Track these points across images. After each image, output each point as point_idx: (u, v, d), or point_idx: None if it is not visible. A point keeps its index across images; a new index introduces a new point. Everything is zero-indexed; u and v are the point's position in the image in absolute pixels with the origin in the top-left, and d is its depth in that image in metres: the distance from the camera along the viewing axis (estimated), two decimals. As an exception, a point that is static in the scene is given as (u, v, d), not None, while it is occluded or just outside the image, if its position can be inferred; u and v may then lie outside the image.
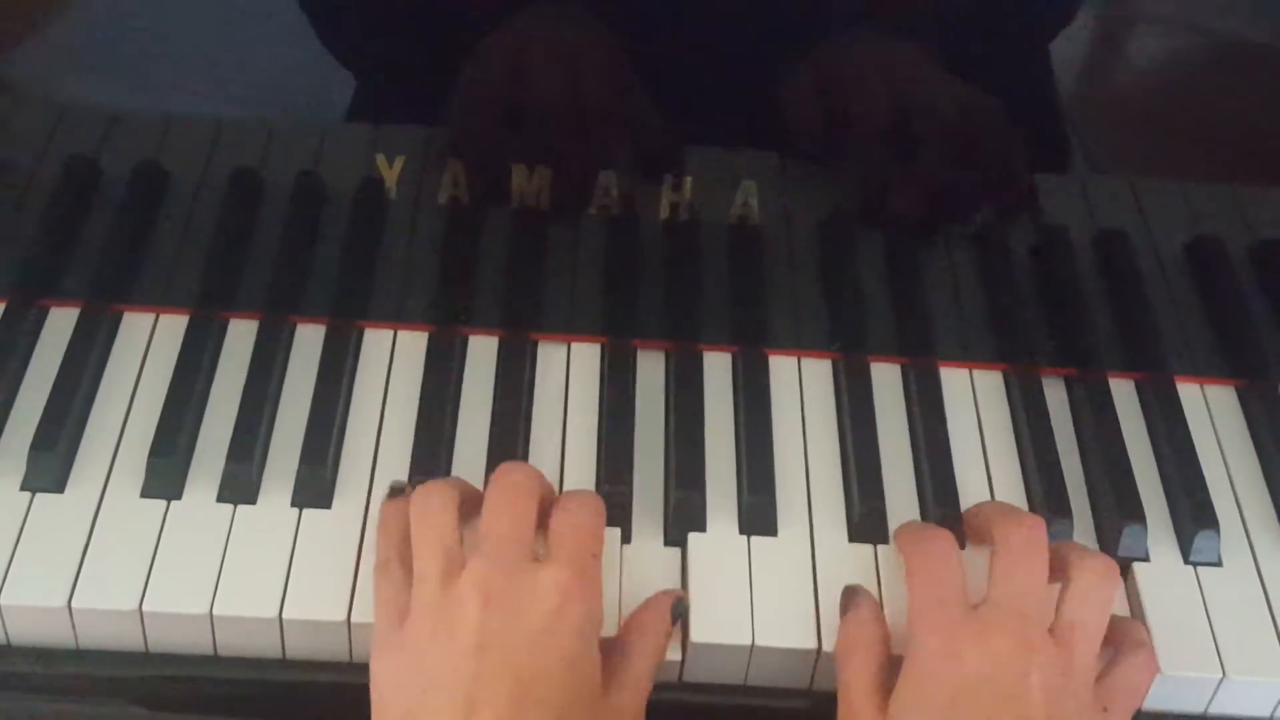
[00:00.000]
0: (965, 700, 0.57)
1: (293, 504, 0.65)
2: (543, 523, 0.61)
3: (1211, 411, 0.73)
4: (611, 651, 0.60)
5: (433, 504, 0.61)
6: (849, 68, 0.69)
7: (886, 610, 0.63)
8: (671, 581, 0.64)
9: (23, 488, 0.65)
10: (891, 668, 0.60)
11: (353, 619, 0.61)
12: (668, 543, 0.66)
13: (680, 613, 0.62)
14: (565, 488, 0.67)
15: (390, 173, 0.71)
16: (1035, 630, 0.58)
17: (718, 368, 0.72)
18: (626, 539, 0.65)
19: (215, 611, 0.61)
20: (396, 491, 0.65)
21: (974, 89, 0.69)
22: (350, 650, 0.62)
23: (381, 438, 0.68)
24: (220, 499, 0.65)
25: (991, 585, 0.60)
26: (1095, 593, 0.60)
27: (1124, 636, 0.62)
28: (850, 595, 0.63)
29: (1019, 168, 0.73)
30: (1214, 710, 0.64)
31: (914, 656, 0.59)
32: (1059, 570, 0.61)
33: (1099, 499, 0.69)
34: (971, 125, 0.69)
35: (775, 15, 0.67)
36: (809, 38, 0.67)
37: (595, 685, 0.58)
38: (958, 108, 0.69)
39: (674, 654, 0.62)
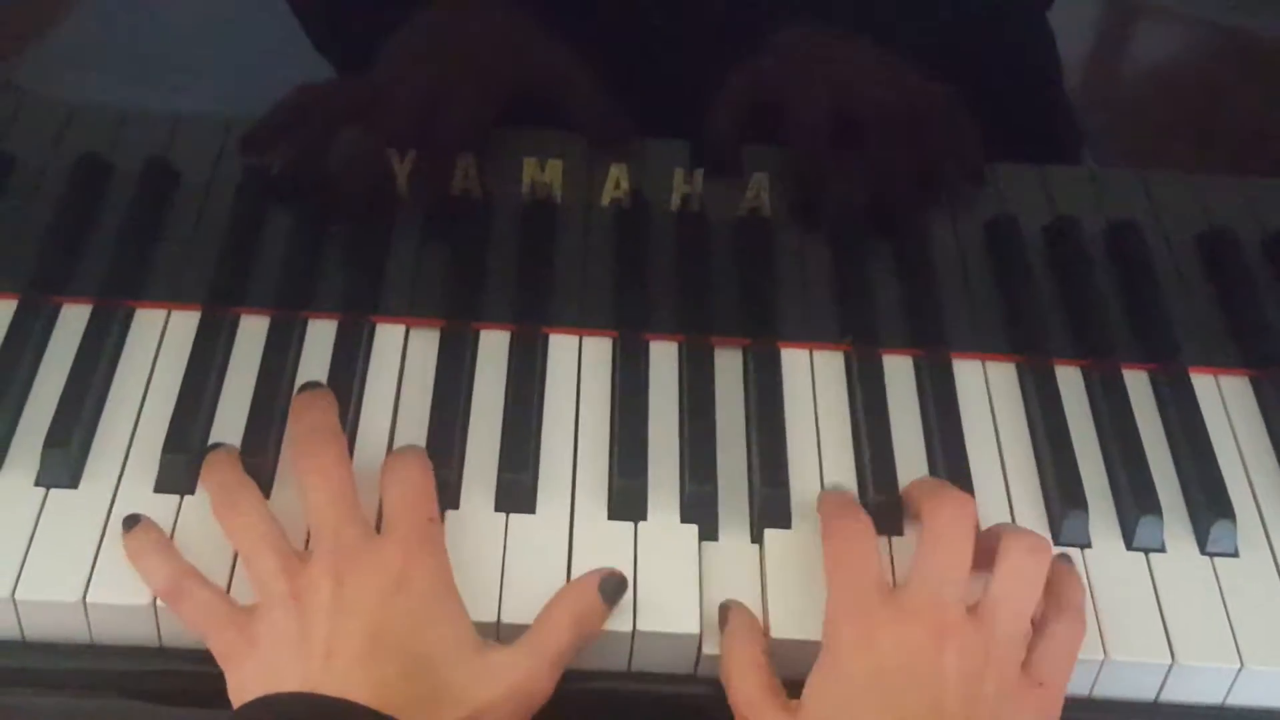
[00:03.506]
0: (879, 688, 0.57)
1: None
2: None
3: (1226, 402, 0.73)
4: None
5: (243, 510, 0.62)
6: (840, 64, 0.69)
7: None
8: (690, 567, 0.64)
9: (37, 483, 0.65)
10: (775, 668, 0.60)
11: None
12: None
13: (611, 590, 0.62)
14: (579, 482, 0.67)
15: (401, 167, 0.71)
16: (951, 614, 0.58)
17: (730, 361, 0.72)
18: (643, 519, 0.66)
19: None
20: (133, 523, 0.63)
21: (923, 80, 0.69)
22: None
23: (396, 431, 0.68)
24: (234, 494, 0.65)
25: (913, 566, 0.60)
26: (1023, 569, 0.60)
27: (1056, 600, 0.61)
28: (722, 613, 0.62)
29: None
30: (1232, 700, 0.64)
31: (829, 645, 0.59)
32: (991, 551, 0.61)
33: (1114, 490, 0.69)
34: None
35: (779, 8, 0.67)
36: (811, 31, 0.68)
37: (463, 640, 0.59)
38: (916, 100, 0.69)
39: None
